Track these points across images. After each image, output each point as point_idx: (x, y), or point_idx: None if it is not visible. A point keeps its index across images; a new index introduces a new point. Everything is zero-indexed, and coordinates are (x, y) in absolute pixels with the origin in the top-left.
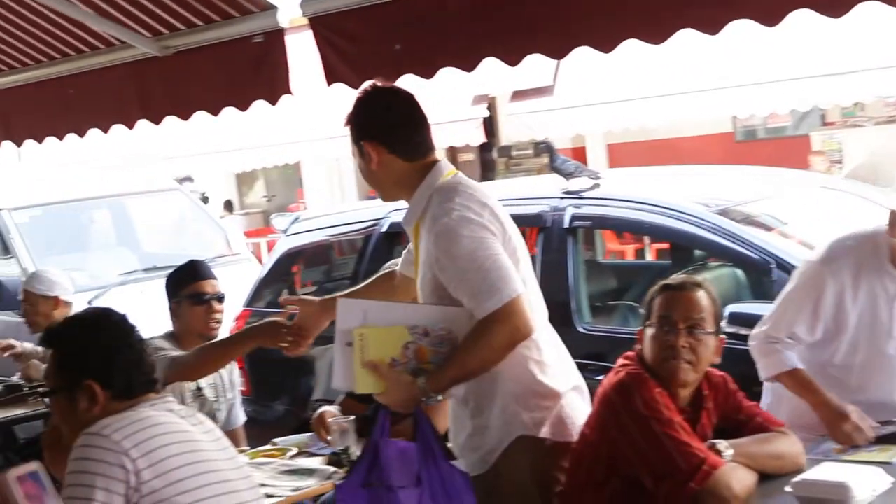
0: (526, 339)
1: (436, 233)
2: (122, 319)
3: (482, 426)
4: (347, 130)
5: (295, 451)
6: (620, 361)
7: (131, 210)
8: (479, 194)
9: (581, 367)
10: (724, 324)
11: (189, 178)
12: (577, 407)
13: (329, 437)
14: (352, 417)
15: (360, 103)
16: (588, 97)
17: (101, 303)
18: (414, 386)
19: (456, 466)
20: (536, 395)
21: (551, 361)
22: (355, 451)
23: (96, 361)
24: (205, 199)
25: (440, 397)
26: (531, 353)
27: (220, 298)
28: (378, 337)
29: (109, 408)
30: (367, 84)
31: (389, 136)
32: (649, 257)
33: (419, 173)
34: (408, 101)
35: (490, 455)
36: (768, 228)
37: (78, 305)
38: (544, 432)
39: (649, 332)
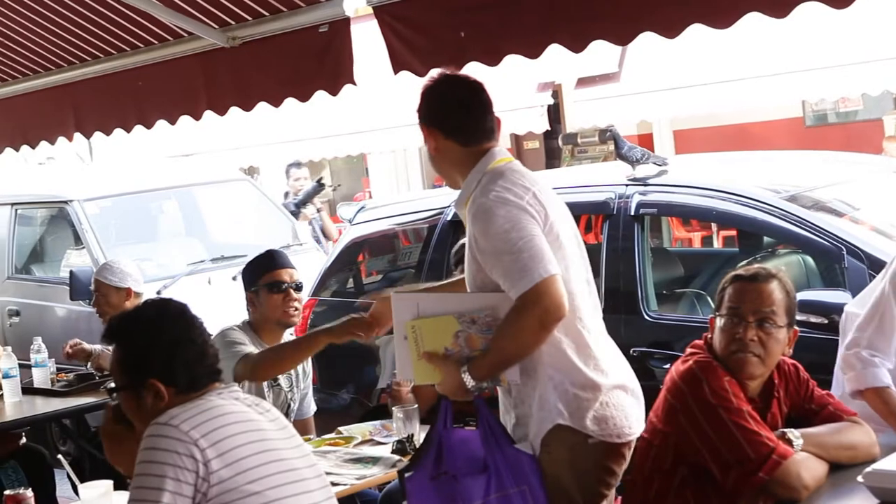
0: (559, 320)
1: (473, 213)
2: (181, 312)
3: (524, 415)
4: (412, 120)
5: (360, 439)
6: (688, 350)
7: (199, 200)
8: (526, 179)
9: (647, 356)
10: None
11: (297, 164)
12: (624, 406)
13: (393, 424)
14: (415, 406)
15: (423, 91)
16: (654, 83)
17: (169, 292)
18: (461, 376)
19: (521, 449)
20: (575, 384)
21: (597, 352)
22: (419, 439)
23: (158, 360)
24: (321, 185)
25: (485, 385)
26: (572, 340)
27: (298, 287)
28: (430, 328)
29: (175, 401)
30: (434, 72)
31: (445, 122)
32: (717, 244)
33: (474, 158)
34: (469, 88)
35: (535, 443)
36: (839, 214)
37: (147, 295)
38: (585, 426)
39: (719, 322)
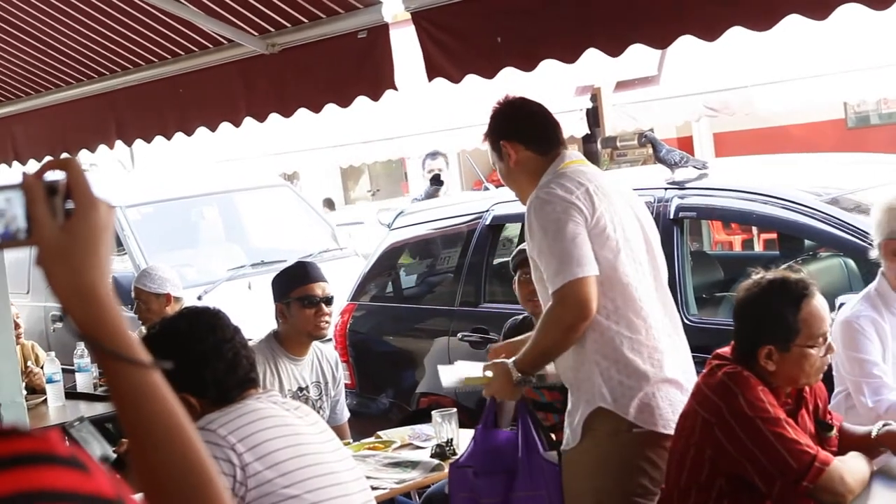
0: (584, 320)
1: (526, 209)
2: (212, 325)
3: (576, 401)
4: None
5: (399, 443)
6: (713, 361)
7: (240, 206)
8: (585, 177)
9: None
10: (834, 314)
11: (433, 154)
12: (673, 401)
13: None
14: (454, 410)
15: (494, 113)
16: (694, 86)
17: (209, 298)
18: (509, 371)
19: (547, 458)
20: (621, 372)
21: (652, 343)
22: (459, 443)
23: (187, 376)
24: (439, 182)
25: (531, 379)
26: (622, 329)
27: (329, 301)
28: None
29: (209, 411)
30: (500, 99)
31: (524, 133)
32: (757, 248)
33: (548, 164)
34: (537, 105)
35: (577, 428)
36: None
37: (188, 300)
38: (628, 413)
39: (804, 352)
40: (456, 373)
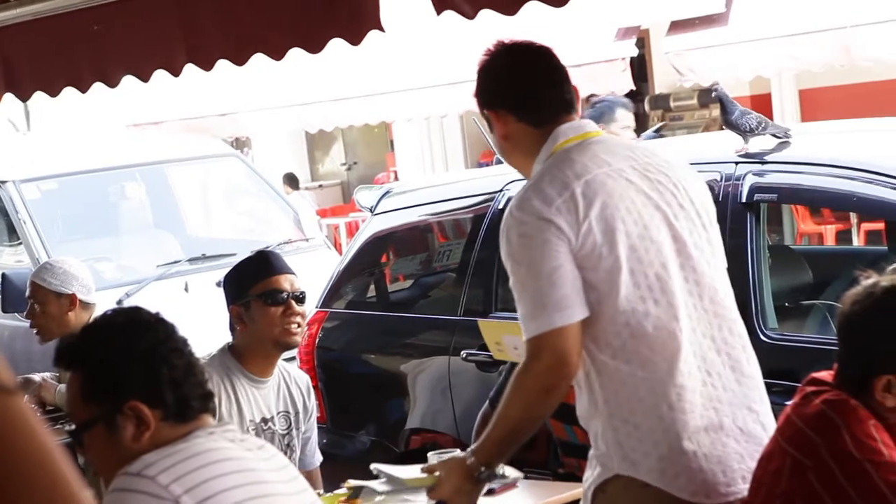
0: (564, 378)
1: (501, 226)
2: (157, 319)
3: (591, 457)
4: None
5: (382, 497)
6: (807, 388)
7: (173, 182)
8: (573, 169)
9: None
10: None
11: (623, 104)
12: (708, 454)
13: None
14: (456, 451)
15: (481, 68)
16: (774, 28)
17: (134, 301)
18: (466, 464)
19: None
20: (639, 424)
21: (675, 381)
22: None
23: (139, 376)
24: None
25: (497, 472)
26: (634, 368)
27: (301, 298)
28: None
29: (162, 434)
30: (490, 45)
31: (515, 100)
32: (857, 241)
33: (546, 139)
34: (537, 55)
35: (588, 493)
36: None
37: (105, 305)
38: (655, 479)
39: None
40: (393, 476)
